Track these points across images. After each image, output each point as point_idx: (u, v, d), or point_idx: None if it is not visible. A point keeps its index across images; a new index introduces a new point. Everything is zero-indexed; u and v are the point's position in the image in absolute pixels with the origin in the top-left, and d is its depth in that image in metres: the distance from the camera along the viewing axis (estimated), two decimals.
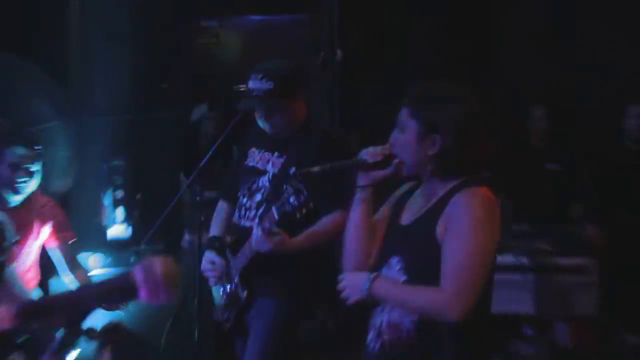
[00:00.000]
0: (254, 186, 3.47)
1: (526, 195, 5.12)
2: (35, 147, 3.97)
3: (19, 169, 3.88)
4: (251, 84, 3.33)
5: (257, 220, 3.26)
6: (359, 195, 2.46)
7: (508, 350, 4.81)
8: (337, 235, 2.83)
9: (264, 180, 3.43)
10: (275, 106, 3.31)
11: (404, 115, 2.37)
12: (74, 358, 4.35)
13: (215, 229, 3.69)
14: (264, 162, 3.48)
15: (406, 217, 2.42)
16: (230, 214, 3.63)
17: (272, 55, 6.02)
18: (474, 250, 2.20)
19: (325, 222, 3.27)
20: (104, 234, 4.94)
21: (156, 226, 4.69)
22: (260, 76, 3.30)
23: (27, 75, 5.25)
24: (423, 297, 2.25)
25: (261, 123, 3.44)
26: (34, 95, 5.28)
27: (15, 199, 3.95)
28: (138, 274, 1.53)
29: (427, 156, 2.33)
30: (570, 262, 4.70)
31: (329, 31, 5.24)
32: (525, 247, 4.79)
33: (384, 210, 2.52)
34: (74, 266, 4.07)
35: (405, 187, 2.53)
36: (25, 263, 4.03)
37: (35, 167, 3.94)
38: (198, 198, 4.91)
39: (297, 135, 3.37)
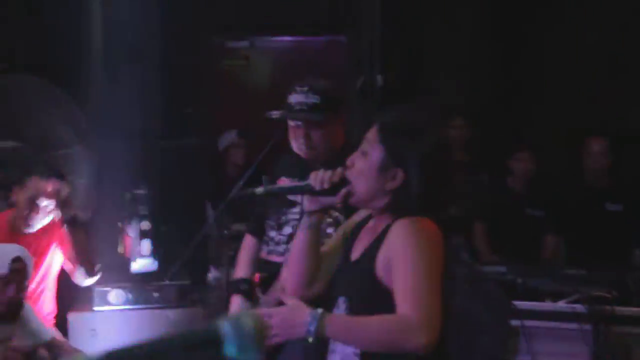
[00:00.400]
0: (283, 218, 3.31)
1: (583, 237, 4.81)
2: (56, 177, 4.05)
3: (36, 205, 3.99)
4: (294, 98, 3.22)
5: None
6: (306, 221, 2.34)
7: None
8: None
9: (295, 212, 3.23)
10: (319, 122, 3.16)
11: (370, 137, 2.21)
12: None
13: (242, 269, 3.48)
14: None
15: (355, 253, 2.27)
16: (258, 250, 3.48)
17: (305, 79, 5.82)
18: (424, 273, 2.07)
19: None
20: (127, 267, 4.67)
21: (182, 261, 4.44)
22: (305, 89, 3.21)
23: (48, 98, 5.06)
24: (384, 326, 2.05)
25: (296, 146, 3.25)
26: (56, 118, 5.09)
27: (29, 230, 4.06)
28: (225, 328, 1.43)
29: (384, 189, 2.19)
30: (632, 312, 4.38)
31: (369, 54, 4.93)
32: (581, 293, 4.46)
33: (334, 241, 2.39)
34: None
35: (360, 215, 2.38)
36: (42, 292, 4.07)
37: (51, 205, 4.03)
38: (226, 232, 4.69)
39: (332, 162, 3.13)
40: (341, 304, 2.24)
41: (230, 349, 1.42)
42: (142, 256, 4.61)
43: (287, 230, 3.28)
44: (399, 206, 2.18)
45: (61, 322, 4.36)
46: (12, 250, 3.69)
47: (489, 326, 3.74)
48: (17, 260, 3.63)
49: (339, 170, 2.27)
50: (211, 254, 5.07)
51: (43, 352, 3.81)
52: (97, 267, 4.21)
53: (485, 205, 5.25)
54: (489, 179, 5.47)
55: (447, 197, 2.26)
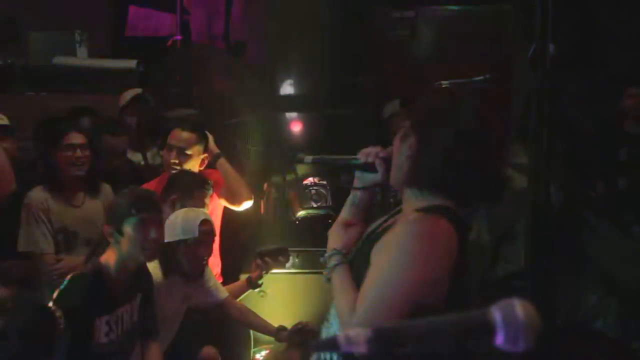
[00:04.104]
0: None
1: None
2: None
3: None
4: None
5: None
6: (350, 197, 2.29)
7: None
8: None
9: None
10: None
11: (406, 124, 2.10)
12: None
13: None
14: None
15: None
16: None
17: (472, 49, 5.74)
18: (394, 280, 1.93)
19: None
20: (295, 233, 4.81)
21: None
22: None
23: (225, 69, 5.25)
24: (341, 304, 2.04)
25: None
26: (229, 87, 5.27)
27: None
28: (496, 315, 1.39)
29: (404, 161, 2.08)
30: None
31: (541, 21, 4.77)
32: None
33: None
34: None
35: (376, 224, 2.21)
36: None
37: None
38: (392, 200, 4.73)
39: None
40: None
41: (500, 338, 1.39)
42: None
43: None
44: (409, 179, 2.06)
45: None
46: (199, 213, 3.81)
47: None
48: (204, 222, 3.76)
49: (389, 148, 2.16)
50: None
51: None
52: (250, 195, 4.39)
53: None
54: None
55: (473, 183, 2.02)
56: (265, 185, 5.15)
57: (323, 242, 4.77)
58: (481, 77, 4.20)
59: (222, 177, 4.38)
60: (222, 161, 4.40)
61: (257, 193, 4.78)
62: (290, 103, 5.72)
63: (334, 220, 2.38)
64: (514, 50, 5.28)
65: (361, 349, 1.43)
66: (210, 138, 4.43)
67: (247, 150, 5.20)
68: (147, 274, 3.51)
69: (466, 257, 2.04)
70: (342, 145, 5.73)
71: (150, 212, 3.23)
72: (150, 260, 3.40)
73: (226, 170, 4.39)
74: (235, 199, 4.39)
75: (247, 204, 4.44)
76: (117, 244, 3.20)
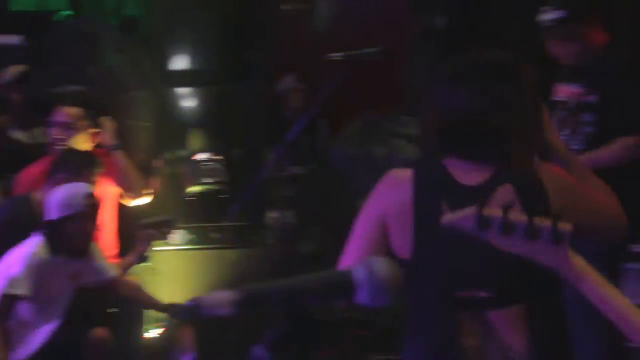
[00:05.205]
0: None
1: None
2: None
3: None
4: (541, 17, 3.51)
5: None
6: None
7: None
8: None
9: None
10: (569, 34, 3.44)
11: None
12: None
13: None
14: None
15: None
16: None
17: (367, 22, 5.75)
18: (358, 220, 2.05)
19: None
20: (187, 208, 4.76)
21: (241, 202, 4.51)
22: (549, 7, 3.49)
23: (113, 43, 5.13)
24: None
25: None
26: (119, 63, 5.16)
27: None
28: (359, 273, 1.44)
29: None
30: None
31: None
32: None
33: None
34: None
35: None
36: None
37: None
38: (284, 173, 4.73)
39: (597, 63, 3.44)
40: None
41: (362, 295, 1.43)
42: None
43: None
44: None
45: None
46: (82, 187, 3.77)
47: None
48: (88, 196, 3.72)
49: None
50: (269, 195, 5.12)
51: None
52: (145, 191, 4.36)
53: None
54: None
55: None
56: (157, 162, 5.07)
57: (214, 218, 4.75)
58: (374, 50, 4.25)
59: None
60: (119, 154, 4.32)
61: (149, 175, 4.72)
62: (181, 79, 5.63)
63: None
64: (408, 24, 5.31)
65: (225, 311, 1.44)
66: (110, 124, 4.34)
67: (138, 126, 5.10)
68: None
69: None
70: (234, 121, 5.73)
71: None
72: None
73: (122, 164, 4.31)
74: (128, 193, 4.35)
75: (141, 200, 4.40)
76: None
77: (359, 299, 1.43)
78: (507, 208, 1.50)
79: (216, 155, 5.07)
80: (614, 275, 3.22)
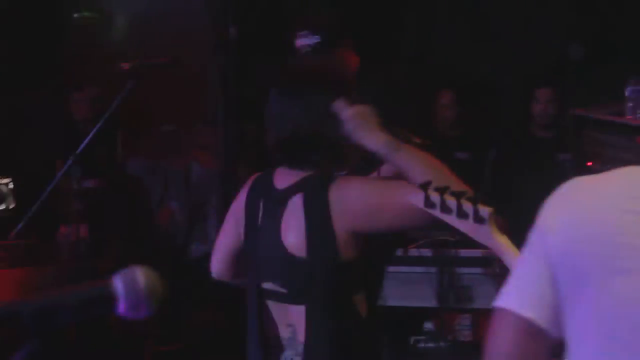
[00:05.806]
0: None
1: None
2: None
3: None
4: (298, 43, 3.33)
5: None
6: None
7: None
8: None
9: None
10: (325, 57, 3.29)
11: None
12: None
13: None
14: None
15: None
16: None
17: (161, 34, 5.66)
18: None
19: None
20: None
21: (28, 218, 4.26)
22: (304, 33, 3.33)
23: None
24: None
25: None
26: None
27: None
28: (117, 284, 1.40)
29: None
30: (472, 254, 4.54)
31: (222, 6, 4.83)
32: (428, 239, 4.65)
33: None
34: None
35: None
36: None
37: None
38: (76, 187, 4.53)
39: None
40: None
41: (122, 306, 1.42)
42: None
43: None
44: None
45: None
46: None
47: None
48: None
49: None
50: (61, 210, 4.91)
51: None
52: None
53: None
54: None
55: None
56: None
57: None
58: (163, 60, 4.21)
59: None
60: None
61: None
62: None
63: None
64: (203, 33, 5.27)
65: None
66: None
67: None
68: None
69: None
70: (27, 131, 5.43)
71: None
72: None
73: None
74: None
75: None
76: None
77: (119, 310, 1.41)
78: (442, 191, 1.72)
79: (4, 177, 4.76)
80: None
